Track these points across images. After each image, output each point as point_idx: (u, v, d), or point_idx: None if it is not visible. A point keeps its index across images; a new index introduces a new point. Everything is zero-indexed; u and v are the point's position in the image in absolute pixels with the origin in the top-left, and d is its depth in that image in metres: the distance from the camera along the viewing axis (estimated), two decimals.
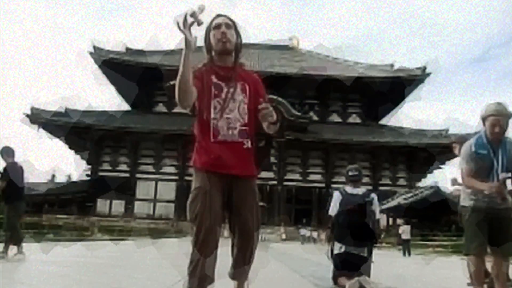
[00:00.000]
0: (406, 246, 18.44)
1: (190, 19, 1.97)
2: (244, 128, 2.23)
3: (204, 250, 2.09)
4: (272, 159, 38.93)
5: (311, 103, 42.83)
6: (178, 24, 1.97)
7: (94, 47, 39.90)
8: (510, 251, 3.38)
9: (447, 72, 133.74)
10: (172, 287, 3.90)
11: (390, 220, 31.28)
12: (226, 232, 2.30)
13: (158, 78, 38.32)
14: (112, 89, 43.32)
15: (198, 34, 2.10)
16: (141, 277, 4.87)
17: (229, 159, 2.18)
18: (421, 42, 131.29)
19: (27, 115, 36.63)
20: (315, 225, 34.55)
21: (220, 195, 2.18)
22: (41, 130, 37.71)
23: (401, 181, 40.26)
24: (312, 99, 43.05)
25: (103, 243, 14.19)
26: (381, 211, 16.02)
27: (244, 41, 2.40)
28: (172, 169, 39.60)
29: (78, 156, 42.61)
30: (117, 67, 39.65)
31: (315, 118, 41.42)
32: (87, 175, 40.74)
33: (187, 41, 1.99)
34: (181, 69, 2.01)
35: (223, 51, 2.25)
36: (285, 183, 39.34)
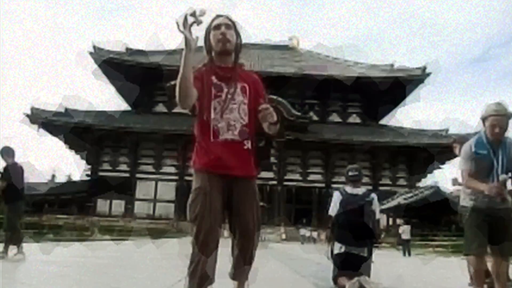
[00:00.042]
0: (406, 246, 18.45)
1: (190, 19, 1.98)
2: (244, 128, 2.23)
3: (204, 250, 2.09)
4: (272, 159, 38.94)
5: (311, 103, 42.81)
6: (178, 25, 1.97)
7: (94, 47, 39.91)
8: (510, 251, 3.38)
9: (447, 72, 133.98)
10: (172, 287, 3.90)
11: (390, 220, 31.28)
12: (226, 232, 2.30)
13: (158, 78, 38.33)
14: (112, 89, 43.36)
15: (199, 34, 2.10)
16: (141, 277, 4.87)
17: (229, 159, 2.18)
18: (421, 42, 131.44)
19: (27, 115, 36.63)
20: (315, 225, 34.55)
21: (220, 196, 2.18)
22: (41, 130, 37.73)
23: (401, 181, 40.26)
24: (312, 99, 43.04)
25: (103, 243, 14.18)
26: (381, 211, 16.00)
27: (244, 41, 2.40)
28: (172, 169, 39.59)
29: (78, 156, 42.62)
30: (117, 67, 39.65)
31: (315, 118, 41.41)
32: (87, 175, 40.73)
33: (187, 42, 2.00)
34: (181, 69, 2.02)
35: (223, 51, 2.25)
36: (285, 183, 39.34)
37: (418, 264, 11.74)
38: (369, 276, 4.18)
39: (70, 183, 45.53)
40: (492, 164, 3.29)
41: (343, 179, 5.11)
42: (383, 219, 29.70)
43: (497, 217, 3.31)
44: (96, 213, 36.96)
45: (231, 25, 2.27)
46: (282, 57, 45.91)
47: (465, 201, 3.49)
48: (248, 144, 2.25)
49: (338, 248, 4.41)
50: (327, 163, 39.79)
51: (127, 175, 39.64)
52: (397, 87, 39.83)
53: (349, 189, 4.61)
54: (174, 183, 39.09)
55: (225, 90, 2.23)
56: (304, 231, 32.47)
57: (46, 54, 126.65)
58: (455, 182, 4.27)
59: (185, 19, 1.98)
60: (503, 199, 3.25)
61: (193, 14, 1.98)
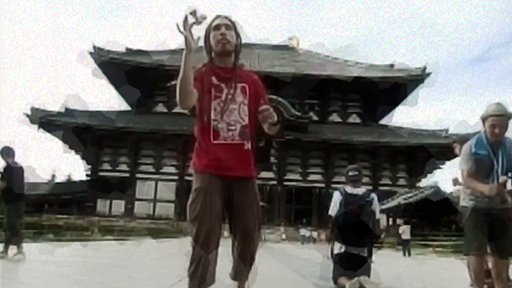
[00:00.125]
0: (406, 246, 18.45)
1: (190, 20, 1.98)
2: (244, 129, 2.24)
3: (204, 251, 2.09)
4: (272, 159, 38.97)
5: (311, 103, 42.81)
6: (178, 26, 1.97)
7: (94, 47, 39.91)
8: (510, 251, 3.39)
9: (447, 72, 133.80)
10: (172, 287, 3.90)
11: (390, 220, 31.30)
12: (226, 232, 2.31)
13: (158, 78, 38.35)
14: (112, 89, 43.36)
15: (200, 34, 2.10)
16: (141, 277, 4.87)
17: (229, 160, 2.19)
18: (421, 42, 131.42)
19: (27, 115, 36.63)
20: (315, 225, 34.55)
21: (220, 196, 2.18)
22: (41, 130, 37.72)
23: (401, 181, 40.25)
24: (312, 99, 43.03)
25: (103, 243, 14.18)
26: (381, 211, 16.02)
27: (244, 41, 2.40)
28: (172, 169, 39.58)
29: (78, 156, 42.62)
30: (117, 67, 39.64)
31: (315, 118, 41.40)
32: (87, 175, 40.73)
33: (187, 43, 2.00)
34: (181, 70, 2.02)
35: (223, 52, 2.25)
36: (285, 183, 39.33)
37: (418, 264, 11.74)
38: (369, 276, 4.19)
39: (70, 183, 45.60)
40: (492, 164, 3.29)
41: (343, 179, 5.11)
42: (383, 219, 29.69)
43: (497, 217, 3.31)
44: (96, 213, 36.96)
45: (231, 25, 2.27)
46: (282, 57, 45.90)
47: (465, 201, 3.49)
48: (248, 145, 2.25)
49: (338, 248, 4.41)
50: (327, 163, 39.78)
51: (127, 175, 39.62)
52: (397, 87, 39.84)
53: (349, 189, 4.61)
54: (174, 183, 39.08)
55: (225, 90, 2.23)
56: (304, 231, 32.45)
57: (46, 54, 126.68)
58: (455, 182, 4.27)
59: (185, 19, 1.98)
60: (503, 200, 3.26)
61: (193, 13, 1.98)
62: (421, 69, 40.45)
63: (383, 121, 44.27)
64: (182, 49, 2.02)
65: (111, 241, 16.37)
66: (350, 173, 4.69)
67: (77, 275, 4.93)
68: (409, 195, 30.76)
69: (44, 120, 36.76)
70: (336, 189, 5.10)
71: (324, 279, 4.73)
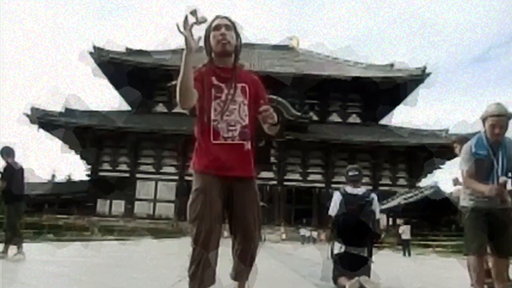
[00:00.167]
0: (406, 246, 18.45)
1: (191, 20, 1.98)
2: (244, 129, 2.24)
3: (204, 251, 2.09)
4: (272, 159, 38.97)
5: (311, 103, 42.79)
6: (178, 26, 1.97)
7: (94, 47, 39.90)
8: (510, 251, 3.39)
9: (447, 72, 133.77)
10: (172, 287, 3.90)
11: (390, 220, 31.30)
12: (226, 232, 2.31)
13: (158, 78, 38.36)
14: (112, 89, 43.37)
15: (200, 34, 2.10)
16: (141, 277, 4.87)
17: (229, 160, 2.19)
18: (421, 42, 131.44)
19: (27, 115, 36.62)
20: (315, 225, 34.55)
21: (220, 196, 2.18)
22: (41, 130, 37.72)
23: (401, 181, 40.24)
24: (312, 99, 43.02)
25: (103, 243, 14.18)
26: (381, 211, 16.01)
27: (244, 41, 2.40)
28: (172, 169, 39.58)
29: (78, 156, 42.62)
30: (117, 67, 39.65)
31: (315, 118, 41.39)
32: (87, 175, 40.74)
33: (187, 43, 2.00)
34: (182, 70, 2.02)
35: (223, 52, 2.25)
36: (285, 183, 39.33)
37: (418, 264, 11.74)
38: (369, 276, 4.19)
39: (70, 183, 45.62)
40: (492, 164, 3.29)
41: (343, 179, 5.11)
42: (383, 219, 29.68)
43: (497, 217, 3.31)
44: (96, 213, 36.96)
45: (231, 26, 2.27)
46: (282, 57, 45.90)
47: (465, 201, 3.49)
48: (248, 145, 2.25)
49: (338, 248, 4.41)
50: (327, 163, 39.77)
51: (127, 175, 39.62)
52: (397, 87, 39.84)
53: (349, 189, 4.62)
54: (174, 183, 39.08)
55: (225, 91, 2.23)
56: (304, 231, 32.45)
57: (46, 54, 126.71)
58: (456, 182, 4.27)
59: (186, 19, 1.98)
60: (503, 201, 3.26)
61: (194, 13, 1.98)
62: (421, 69, 40.46)
63: (383, 121, 44.28)
64: (182, 49, 2.02)
65: (111, 241, 16.37)
66: (350, 173, 4.69)
67: (77, 275, 4.93)
68: (409, 195, 30.75)
69: (44, 120, 36.75)
70: (336, 189, 5.09)
71: (324, 279, 4.73)
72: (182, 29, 1.98)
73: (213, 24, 2.26)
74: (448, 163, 36.63)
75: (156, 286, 4.10)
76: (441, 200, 24.39)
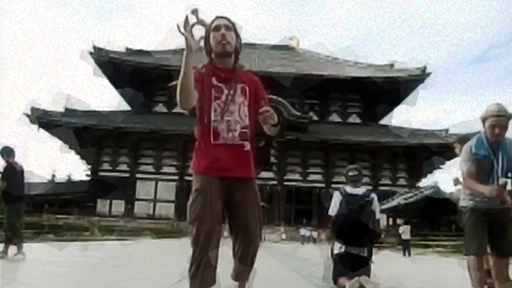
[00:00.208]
0: (406, 246, 18.43)
1: (191, 20, 1.98)
2: (244, 130, 2.24)
3: (204, 251, 2.09)
4: (272, 159, 38.97)
5: (311, 103, 42.81)
6: (178, 26, 1.97)
7: (94, 47, 39.92)
8: (510, 251, 3.39)
9: (447, 72, 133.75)
10: (172, 287, 3.90)
11: (390, 220, 31.30)
12: (226, 233, 2.31)
13: (158, 78, 38.35)
14: (112, 89, 43.38)
15: (201, 34, 2.10)
16: (141, 277, 4.87)
17: (229, 161, 2.19)
18: (421, 42, 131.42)
19: (27, 115, 36.62)
20: (315, 225, 34.55)
21: (220, 197, 2.18)
22: (41, 130, 37.72)
23: (401, 181, 40.26)
24: (312, 99, 43.04)
25: (103, 243, 14.18)
26: (381, 211, 16.01)
27: (244, 41, 2.40)
28: (172, 169, 39.59)
29: (78, 156, 42.63)
30: (117, 67, 39.66)
31: (315, 118, 41.40)
32: (87, 175, 40.75)
33: (188, 44, 2.00)
34: (182, 70, 2.02)
35: (223, 53, 2.25)
36: (285, 183, 39.34)
37: (418, 264, 11.74)
38: (369, 276, 4.19)
39: (70, 183, 45.59)
40: (492, 165, 3.29)
41: (343, 179, 5.11)
42: (383, 219, 29.70)
43: (497, 217, 3.31)
44: (96, 213, 36.96)
45: (231, 26, 2.27)
46: (282, 57, 45.91)
47: (465, 201, 3.49)
48: (248, 146, 2.25)
49: (338, 248, 4.41)
50: (327, 163, 39.79)
51: (127, 175, 39.63)
52: (397, 87, 39.84)
53: (349, 189, 4.61)
54: (174, 183, 39.09)
55: (225, 91, 2.24)
56: (304, 231, 32.45)
57: (47, 54, 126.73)
58: (456, 181, 4.27)
59: (186, 19, 1.98)
60: (503, 202, 3.26)
61: (195, 12, 1.98)
62: (421, 69, 40.47)
63: (383, 121, 44.30)
64: (183, 49, 2.02)
65: (111, 241, 16.37)
66: (350, 173, 4.69)
67: (77, 275, 4.92)
68: (409, 195, 30.77)
69: (44, 120, 36.76)
70: (336, 189, 5.09)
71: (325, 279, 4.72)
72: (182, 30, 1.98)
73: (213, 25, 2.26)
74: (448, 163, 36.65)
75: (156, 286, 4.09)
76: (441, 200, 24.38)
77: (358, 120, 44.09)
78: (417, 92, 41.75)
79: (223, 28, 2.24)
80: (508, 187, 3.26)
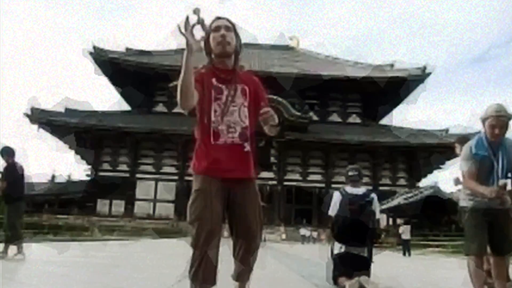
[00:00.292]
0: (406, 246, 18.45)
1: (192, 20, 1.98)
2: (244, 131, 2.24)
3: (205, 252, 2.09)
4: (272, 159, 38.97)
5: (311, 103, 42.80)
6: (179, 27, 1.97)
7: (94, 47, 39.90)
8: (510, 251, 3.39)
9: (447, 72, 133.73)
10: (172, 287, 3.90)
11: (390, 220, 31.30)
12: (226, 233, 2.31)
13: (158, 78, 38.35)
14: (112, 89, 43.38)
15: (201, 34, 2.10)
16: (141, 277, 4.87)
17: (229, 162, 2.19)
18: (421, 42, 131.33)
19: (27, 115, 36.62)
20: (315, 225, 34.56)
21: (220, 197, 2.18)
22: (41, 130, 37.71)
23: (401, 181, 40.26)
24: (312, 99, 43.03)
25: (103, 243, 14.18)
26: (381, 211, 16.03)
27: (244, 41, 2.40)
28: (172, 169, 39.59)
29: (78, 156, 42.61)
30: (117, 67, 39.66)
31: (315, 118, 41.42)
32: (87, 175, 40.74)
33: (188, 44, 1.99)
34: (182, 71, 2.02)
35: (223, 53, 2.25)
36: (285, 183, 39.34)
37: (418, 264, 11.74)
38: (369, 276, 4.19)
39: (70, 183, 45.54)
40: (492, 165, 3.29)
41: (343, 179, 5.11)
42: (383, 219, 29.71)
43: (497, 217, 3.31)
44: (96, 213, 36.96)
45: (231, 27, 2.27)
46: (282, 57, 45.92)
47: (465, 201, 3.49)
48: (248, 146, 2.25)
49: (338, 248, 4.42)
50: (327, 163, 39.79)
51: (127, 175, 39.63)
52: (397, 87, 39.85)
53: (349, 189, 4.62)
54: (174, 183, 39.09)
55: (225, 92, 2.24)
56: (304, 231, 32.46)
57: (46, 54, 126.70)
58: (457, 181, 4.27)
59: (187, 20, 1.98)
60: (503, 202, 3.26)
61: (197, 12, 1.97)
62: (421, 69, 40.47)
63: (383, 121, 44.31)
64: (183, 49, 2.02)
65: (111, 241, 16.37)
66: (350, 173, 4.70)
67: (77, 275, 4.93)
68: (409, 195, 30.77)
69: (44, 120, 36.74)
70: (336, 189, 5.09)
71: (324, 279, 4.72)
72: (183, 30, 1.97)
73: (213, 26, 2.25)
74: (448, 163, 36.66)
75: (156, 286, 4.10)
76: (441, 200, 24.39)
77: (358, 120, 44.09)
78: (417, 92, 41.81)
79: (223, 29, 2.23)
80: (508, 187, 3.25)
